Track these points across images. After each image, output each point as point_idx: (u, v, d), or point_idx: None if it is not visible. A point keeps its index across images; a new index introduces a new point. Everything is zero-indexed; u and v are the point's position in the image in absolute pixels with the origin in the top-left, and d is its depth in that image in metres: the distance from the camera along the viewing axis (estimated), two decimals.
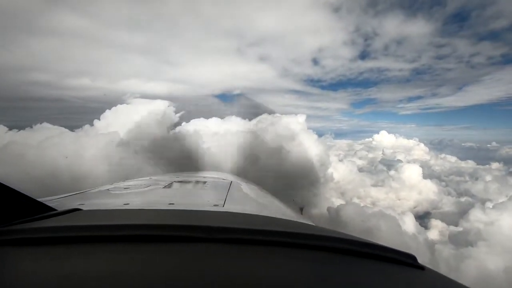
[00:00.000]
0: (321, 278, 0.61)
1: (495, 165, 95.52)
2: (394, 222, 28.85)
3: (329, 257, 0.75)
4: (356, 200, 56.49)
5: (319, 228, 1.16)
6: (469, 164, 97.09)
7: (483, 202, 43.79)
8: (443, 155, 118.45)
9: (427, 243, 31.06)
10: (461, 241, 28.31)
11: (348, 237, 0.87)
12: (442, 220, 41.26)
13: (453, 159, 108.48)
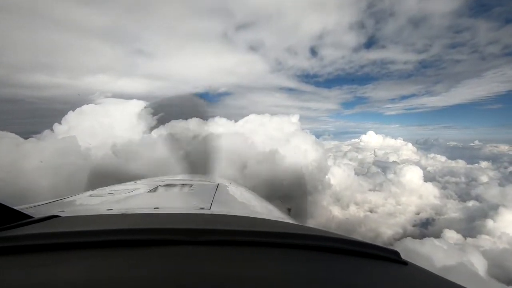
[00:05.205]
0: (307, 277, 0.62)
1: (484, 164, 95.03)
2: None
3: (315, 256, 0.77)
4: (353, 207, 52.08)
5: (306, 227, 1.16)
6: (460, 164, 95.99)
7: (494, 207, 40.28)
8: (432, 155, 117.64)
9: None
10: None
11: (333, 235, 0.89)
12: (457, 231, 36.80)
13: (442, 158, 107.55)
